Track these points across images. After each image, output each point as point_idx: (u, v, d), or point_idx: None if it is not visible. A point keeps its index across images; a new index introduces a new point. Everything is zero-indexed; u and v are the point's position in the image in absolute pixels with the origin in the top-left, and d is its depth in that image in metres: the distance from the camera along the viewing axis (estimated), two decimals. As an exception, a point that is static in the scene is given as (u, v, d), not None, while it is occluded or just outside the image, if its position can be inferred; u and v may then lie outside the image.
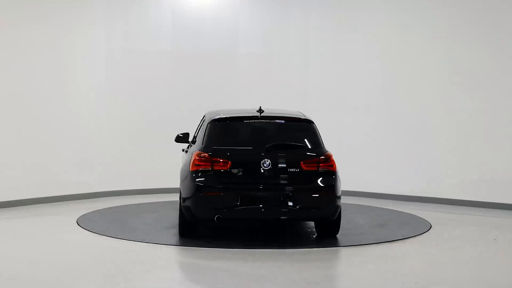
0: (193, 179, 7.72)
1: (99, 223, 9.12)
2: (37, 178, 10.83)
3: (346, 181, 11.83)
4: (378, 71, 12.23)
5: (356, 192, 12.15)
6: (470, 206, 11.04)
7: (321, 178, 7.81)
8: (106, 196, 11.59)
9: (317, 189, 7.77)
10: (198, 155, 7.79)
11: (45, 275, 6.51)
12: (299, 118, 8.37)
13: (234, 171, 7.73)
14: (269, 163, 7.70)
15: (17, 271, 6.57)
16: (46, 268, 6.76)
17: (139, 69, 12.29)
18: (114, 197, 11.66)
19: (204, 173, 7.71)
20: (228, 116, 8.32)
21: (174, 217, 9.13)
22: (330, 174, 7.86)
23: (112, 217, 9.64)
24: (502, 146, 10.89)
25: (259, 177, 7.73)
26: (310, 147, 8.03)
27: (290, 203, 7.69)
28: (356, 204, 11.24)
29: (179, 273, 6.67)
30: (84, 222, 9.10)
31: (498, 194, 10.89)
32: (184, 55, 12.60)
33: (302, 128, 8.23)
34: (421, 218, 9.83)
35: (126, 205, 10.74)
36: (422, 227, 9.08)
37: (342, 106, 12.56)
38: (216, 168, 7.70)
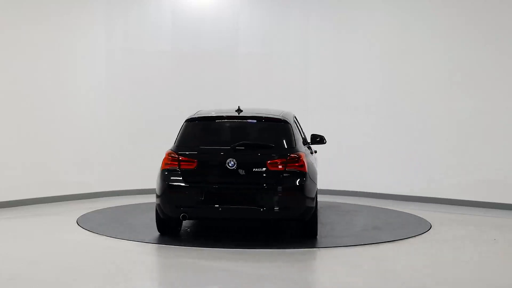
0: (161, 177, 7.88)
1: (99, 223, 9.12)
2: (37, 178, 10.83)
3: (346, 181, 11.89)
4: (378, 71, 12.23)
5: (356, 192, 12.16)
6: (470, 206, 11.04)
7: (287, 179, 7.69)
8: (106, 196, 11.59)
9: (282, 189, 7.67)
10: (168, 154, 7.94)
11: (45, 275, 6.51)
12: (272, 118, 8.23)
13: (200, 170, 7.79)
14: (234, 162, 7.69)
15: (17, 271, 6.57)
16: (46, 268, 6.76)
17: (139, 69, 12.29)
18: (114, 197, 11.66)
19: (171, 172, 7.82)
20: (201, 116, 8.38)
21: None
22: (298, 174, 7.72)
23: (112, 217, 9.64)
24: (502, 146, 10.89)
25: (223, 177, 7.75)
26: (279, 147, 7.91)
27: (255, 204, 7.66)
28: (356, 204, 11.25)
29: (179, 273, 6.67)
30: (84, 222, 9.10)
31: (498, 194, 10.89)
32: (184, 55, 12.60)
33: (275, 128, 8.14)
34: (421, 218, 9.83)
35: (126, 205, 10.74)
36: (422, 227, 9.08)
37: (342, 106, 12.56)
38: (183, 167, 7.79)
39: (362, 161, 12.23)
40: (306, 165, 7.80)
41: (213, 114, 8.43)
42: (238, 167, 7.70)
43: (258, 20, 13.00)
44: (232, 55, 12.87)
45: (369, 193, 12.04)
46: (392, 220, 9.71)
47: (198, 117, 8.32)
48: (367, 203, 11.28)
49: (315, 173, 8.22)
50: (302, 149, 8.14)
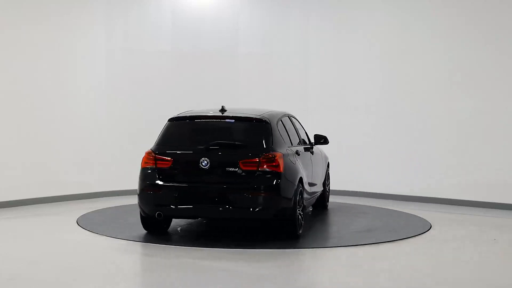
0: (140, 176, 8.05)
1: (99, 223, 9.12)
2: (37, 178, 10.83)
3: (346, 181, 11.88)
4: (378, 71, 12.23)
5: (356, 192, 12.16)
6: (470, 206, 11.04)
7: (260, 178, 7.67)
8: (106, 196, 11.59)
9: (254, 189, 7.65)
10: (147, 153, 8.08)
11: (45, 275, 6.51)
12: (250, 118, 8.19)
13: (175, 169, 7.86)
14: (207, 162, 7.72)
15: (17, 271, 6.57)
16: (46, 268, 6.76)
17: (139, 69, 12.29)
18: (114, 197, 11.66)
19: (149, 171, 7.95)
20: (181, 115, 8.46)
21: (174, 217, 9.12)
22: (272, 174, 7.68)
23: (112, 217, 9.64)
24: (502, 146, 10.88)
25: (197, 176, 7.80)
26: (255, 146, 7.86)
27: (227, 203, 7.66)
28: (356, 204, 11.25)
29: (179, 273, 6.67)
30: (84, 222, 9.10)
31: (498, 194, 10.89)
32: (184, 55, 12.60)
33: (252, 127, 8.11)
34: (421, 218, 9.83)
35: (126, 205, 10.73)
36: (422, 227, 9.08)
37: (342, 106, 12.56)
38: (159, 166, 7.88)
39: (362, 161, 12.23)
40: (281, 165, 7.73)
41: (193, 114, 8.46)
42: (211, 167, 7.72)
43: (258, 20, 13.01)
44: (232, 55, 12.87)
45: (369, 193, 12.04)
46: (392, 220, 9.71)
47: (178, 117, 8.42)
48: (367, 203, 11.28)
49: (294, 174, 8.04)
50: (282, 149, 8.02)
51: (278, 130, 8.27)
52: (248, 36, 12.90)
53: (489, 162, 10.98)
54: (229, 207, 7.65)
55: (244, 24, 12.88)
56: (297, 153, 8.48)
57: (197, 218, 8.53)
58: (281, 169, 7.71)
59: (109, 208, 10.44)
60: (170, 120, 8.38)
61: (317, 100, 12.83)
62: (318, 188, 9.81)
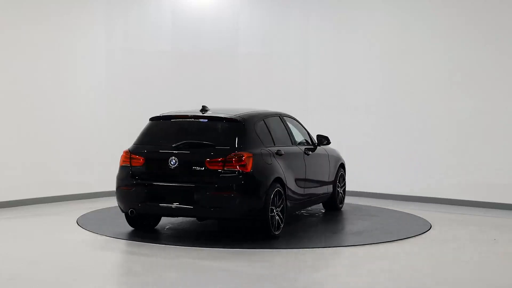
0: (117, 174, 8.36)
1: (99, 223, 9.12)
2: (37, 178, 10.83)
3: (346, 181, 11.85)
4: (378, 71, 12.23)
5: (356, 192, 12.16)
6: (470, 206, 11.04)
7: (225, 178, 7.70)
8: (106, 196, 11.57)
9: (219, 188, 7.68)
10: (124, 152, 8.31)
11: (45, 275, 6.50)
12: (222, 118, 8.21)
13: (147, 168, 8.06)
14: (175, 161, 7.83)
15: (17, 271, 6.57)
16: (46, 268, 6.76)
17: (139, 69, 12.29)
18: (114, 197, 11.57)
19: (124, 169, 8.23)
20: (160, 115, 8.58)
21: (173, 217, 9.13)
22: (237, 174, 7.69)
23: (112, 217, 9.63)
24: (502, 146, 10.89)
25: (166, 175, 7.91)
26: (223, 146, 7.88)
27: (192, 202, 7.75)
28: (356, 204, 11.25)
29: (179, 273, 6.67)
30: (84, 222, 9.10)
31: (498, 194, 10.89)
32: (184, 55, 12.61)
33: (224, 127, 8.14)
34: (421, 218, 9.83)
35: (126, 205, 10.72)
36: (422, 227, 9.08)
37: (342, 106, 12.57)
38: (133, 164, 8.12)
39: (362, 161, 12.23)
40: (249, 165, 7.72)
41: (169, 114, 8.58)
42: (179, 166, 7.83)
43: (258, 20, 13.01)
44: (232, 55, 12.87)
45: (369, 193, 12.05)
46: (392, 220, 9.71)
47: (156, 117, 8.54)
48: (367, 203, 11.28)
49: (267, 174, 7.96)
50: (255, 149, 7.97)
51: (255, 130, 8.23)
52: (248, 36, 12.90)
53: (489, 162, 10.98)
54: (194, 206, 7.76)
55: (244, 24, 12.89)
56: (278, 153, 8.34)
57: (167, 216, 8.62)
58: (248, 169, 7.72)
59: (109, 208, 10.44)
60: (150, 119, 8.55)
61: (317, 100, 12.83)
62: (320, 190, 9.75)
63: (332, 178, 10.18)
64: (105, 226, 8.90)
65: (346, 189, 10.98)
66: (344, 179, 10.75)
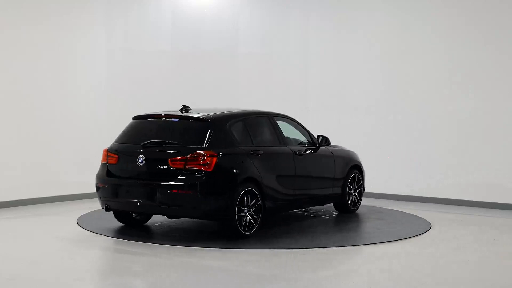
0: (98, 171, 8.61)
1: (99, 223, 9.11)
2: (37, 178, 10.83)
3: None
4: (378, 71, 12.23)
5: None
6: (470, 206, 11.04)
7: (185, 177, 7.78)
8: (106, 196, 11.57)
9: (180, 187, 7.78)
10: (104, 150, 8.57)
11: (45, 275, 6.51)
12: (191, 117, 8.34)
13: (120, 166, 8.31)
14: (143, 159, 8.02)
15: (17, 271, 6.57)
16: (46, 268, 6.76)
17: (139, 69, 12.29)
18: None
19: (102, 166, 8.51)
20: (138, 115, 8.78)
21: (174, 217, 9.13)
22: (199, 172, 7.76)
23: (112, 217, 9.62)
24: (502, 146, 10.89)
25: (135, 172, 8.14)
26: (189, 145, 7.97)
27: (155, 199, 7.89)
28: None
29: (179, 273, 6.67)
30: (84, 222, 9.10)
31: (498, 194, 10.89)
32: (184, 55, 12.60)
33: (193, 127, 8.25)
34: (421, 218, 9.83)
35: (126, 205, 10.73)
36: (422, 227, 9.08)
37: (342, 106, 12.57)
38: (109, 162, 8.39)
39: (362, 161, 12.21)
40: (212, 164, 7.78)
41: (148, 113, 8.78)
42: (146, 164, 8.01)
43: (258, 20, 13.01)
44: (232, 55, 12.87)
45: (369, 193, 12.03)
46: (392, 220, 9.70)
47: (136, 116, 8.78)
48: (367, 203, 11.27)
49: (235, 174, 7.99)
50: (225, 149, 8.02)
51: (227, 130, 8.26)
52: (248, 36, 12.90)
53: (489, 162, 10.98)
54: (157, 203, 7.90)
55: (244, 24, 12.88)
56: (255, 153, 8.33)
57: (135, 213, 8.74)
58: (211, 168, 7.78)
59: (109, 208, 10.43)
60: (132, 118, 8.79)
61: (317, 100, 12.83)
62: (321, 191, 9.64)
63: (339, 179, 9.94)
64: (105, 226, 8.90)
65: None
66: (360, 181, 10.38)
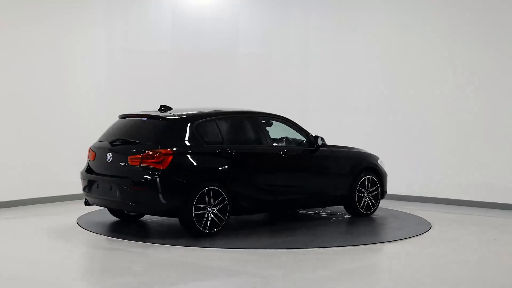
0: None
1: (99, 223, 9.12)
2: (37, 178, 10.83)
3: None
4: (378, 71, 12.23)
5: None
6: (470, 206, 11.04)
7: (140, 174, 7.98)
8: (106, 196, 11.57)
9: (135, 184, 7.99)
10: (89, 147, 8.99)
11: (45, 275, 6.51)
12: (156, 116, 8.55)
13: (95, 162, 8.71)
14: (110, 156, 8.37)
15: (17, 271, 6.57)
16: (46, 268, 6.76)
17: (139, 69, 12.29)
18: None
19: (87, 163, 8.93)
20: (122, 114, 9.07)
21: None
22: (152, 170, 7.92)
23: (112, 217, 9.63)
24: (502, 146, 10.89)
25: (103, 169, 8.52)
26: (148, 143, 8.16)
27: (115, 195, 8.21)
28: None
29: (179, 273, 6.67)
30: (84, 222, 9.10)
31: (498, 194, 10.89)
32: (184, 55, 12.60)
33: (155, 125, 8.45)
34: (421, 218, 9.83)
35: (126, 205, 10.72)
36: (422, 227, 9.08)
37: (342, 106, 12.56)
38: (90, 159, 8.85)
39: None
40: (166, 162, 7.93)
41: (128, 113, 9.03)
42: (112, 161, 8.36)
43: (258, 20, 13.00)
44: (232, 55, 12.87)
45: (369, 193, 12.04)
46: (392, 220, 9.70)
47: (120, 115, 9.06)
48: (367, 203, 11.27)
49: (193, 172, 8.11)
50: (184, 148, 8.13)
51: (193, 129, 8.33)
52: (248, 36, 12.90)
53: (489, 162, 10.98)
54: (118, 199, 8.22)
55: (244, 24, 12.88)
56: (221, 153, 8.35)
57: (105, 207, 9.03)
58: (165, 166, 7.93)
59: (109, 208, 10.44)
60: (118, 117, 9.07)
61: (317, 100, 12.83)
62: (316, 192, 9.41)
63: (343, 181, 9.60)
64: (105, 226, 8.91)
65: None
66: (376, 184, 9.88)
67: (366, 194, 9.80)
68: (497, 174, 10.91)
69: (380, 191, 10.00)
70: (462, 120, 11.27)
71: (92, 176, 8.60)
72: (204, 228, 8.07)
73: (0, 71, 10.41)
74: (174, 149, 8.04)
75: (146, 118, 8.59)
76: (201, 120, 8.51)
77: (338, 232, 8.97)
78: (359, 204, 9.73)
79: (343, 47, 12.59)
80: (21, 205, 10.52)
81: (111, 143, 8.46)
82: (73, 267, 6.82)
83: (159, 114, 8.61)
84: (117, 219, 9.32)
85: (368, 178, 9.84)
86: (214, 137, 8.53)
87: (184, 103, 12.25)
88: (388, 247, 7.87)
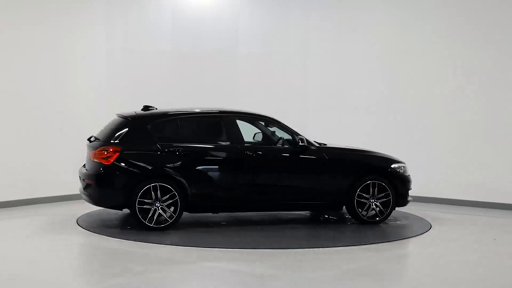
0: None
1: (99, 223, 9.12)
2: (37, 178, 10.83)
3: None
4: (378, 71, 12.23)
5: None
6: (470, 206, 11.04)
7: (91, 168, 8.71)
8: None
9: (86, 177, 8.76)
10: None
11: (45, 275, 6.51)
12: (122, 116, 9.07)
13: (86, 158, 9.19)
14: (87, 153, 9.02)
15: (17, 271, 6.57)
16: (46, 268, 6.76)
17: (139, 69, 12.29)
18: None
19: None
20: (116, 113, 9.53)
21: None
22: (99, 165, 8.55)
23: (112, 217, 9.64)
24: (502, 146, 10.89)
25: (86, 164, 9.08)
26: (105, 140, 8.72)
27: (84, 189, 8.90)
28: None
29: (179, 273, 6.67)
30: (84, 222, 9.10)
31: (498, 194, 10.90)
32: (184, 55, 12.60)
33: (119, 124, 8.92)
34: (421, 218, 9.83)
35: (126, 205, 10.73)
36: (422, 227, 9.08)
37: (342, 106, 12.57)
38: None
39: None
40: (112, 159, 8.48)
41: (119, 112, 9.44)
42: (87, 157, 8.99)
43: (258, 20, 13.00)
44: (232, 55, 12.87)
45: (369, 193, 12.04)
46: (392, 220, 9.70)
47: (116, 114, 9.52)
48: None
49: (138, 169, 8.50)
50: (132, 145, 8.57)
51: (148, 128, 8.78)
52: (248, 36, 12.90)
53: (489, 162, 10.98)
54: (84, 192, 8.89)
55: (244, 24, 12.88)
56: (174, 151, 8.58)
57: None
58: (110, 162, 8.47)
59: (109, 208, 10.44)
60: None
61: (317, 100, 12.83)
62: (302, 195, 9.06)
63: (332, 185, 9.12)
64: (105, 226, 8.90)
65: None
66: (385, 190, 9.17)
67: (372, 200, 9.16)
68: (497, 174, 10.91)
69: (393, 198, 9.20)
70: (462, 120, 11.27)
71: (82, 170, 9.16)
72: (150, 222, 8.45)
73: (0, 71, 10.41)
74: (123, 146, 8.54)
75: (118, 117, 9.11)
76: (160, 120, 8.99)
77: (337, 232, 8.97)
78: (361, 211, 9.16)
79: (343, 47, 12.59)
80: (21, 205, 10.52)
81: (89, 139, 9.11)
82: (73, 267, 6.82)
83: (127, 113, 9.11)
84: (117, 219, 9.32)
85: (374, 183, 9.16)
86: (173, 136, 8.89)
87: (184, 103, 12.29)
88: (388, 247, 7.87)
